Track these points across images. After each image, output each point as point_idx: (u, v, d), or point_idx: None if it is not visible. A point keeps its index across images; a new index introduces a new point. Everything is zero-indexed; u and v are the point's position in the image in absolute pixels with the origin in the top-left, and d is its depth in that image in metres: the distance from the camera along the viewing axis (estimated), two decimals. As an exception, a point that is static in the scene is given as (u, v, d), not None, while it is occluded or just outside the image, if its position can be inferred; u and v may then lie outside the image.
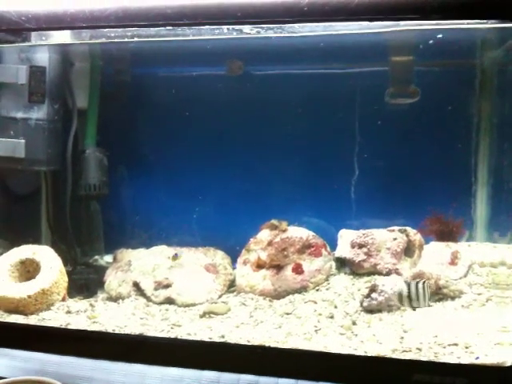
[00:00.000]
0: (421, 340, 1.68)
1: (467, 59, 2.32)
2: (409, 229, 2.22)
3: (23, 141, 2.28)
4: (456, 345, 1.65)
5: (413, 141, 2.36)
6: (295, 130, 2.45)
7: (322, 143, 2.44)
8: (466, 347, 1.63)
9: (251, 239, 2.31)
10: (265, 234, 2.29)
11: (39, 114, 2.31)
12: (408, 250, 2.21)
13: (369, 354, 1.63)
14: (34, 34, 2.10)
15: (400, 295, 1.92)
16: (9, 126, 2.30)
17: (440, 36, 2.02)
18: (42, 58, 2.29)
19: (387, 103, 2.32)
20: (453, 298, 1.96)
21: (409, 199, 2.35)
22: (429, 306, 1.92)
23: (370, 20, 1.64)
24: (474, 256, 2.18)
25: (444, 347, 1.64)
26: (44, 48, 2.28)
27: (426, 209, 2.21)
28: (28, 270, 2.18)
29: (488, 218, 2.34)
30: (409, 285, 1.92)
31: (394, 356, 1.62)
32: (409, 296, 1.91)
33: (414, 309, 1.92)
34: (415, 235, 2.22)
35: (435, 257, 2.15)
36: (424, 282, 1.92)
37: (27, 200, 2.56)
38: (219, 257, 2.40)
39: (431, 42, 2.09)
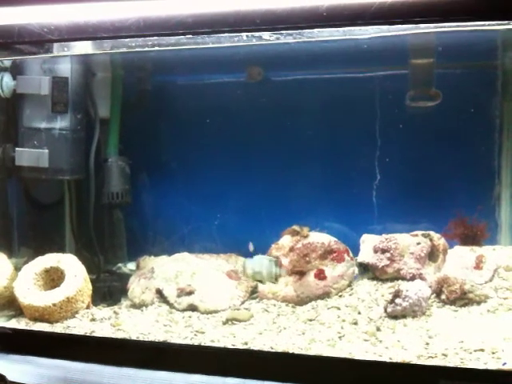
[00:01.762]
0: (446, 346, 1.67)
1: (489, 60, 2.29)
2: (432, 233, 2.20)
3: (47, 151, 2.31)
4: (482, 350, 1.62)
5: (435, 144, 2.34)
6: (315, 135, 2.44)
7: (343, 148, 2.43)
8: (493, 353, 1.61)
9: (272, 245, 2.31)
10: (286, 240, 2.28)
11: (62, 123, 2.34)
12: (432, 255, 2.18)
13: (394, 361, 1.62)
14: (56, 45, 2.12)
15: (244, 270, 2.07)
16: (33, 137, 2.33)
17: (461, 37, 2.00)
18: (64, 68, 2.32)
19: (408, 106, 2.30)
20: (478, 303, 1.93)
21: (432, 203, 2.32)
22: (275, 281, 2.05)
23: (390, 24, 1.63)
24: (500, 260, 2.15)
25: (470, 353, 1.62)
26: (66, 59, 2.31)
27: (450, 213, 2.18)
28: (53, 278, 2.20)
29: (513, 220, 2.31)
30: (253, 260, 2.05)
31: (420, 362, 1.60)
32: (253, 269, 2.05)
33: (262, 282, 2.08)
34: (439, 239, 2.19)
35: (460, 261, 2.13)
36: (270, 260, 2.05)
37: (51, 209, 2.59)
38: (241, 263, 2.40)
39: (452, 43, 2.07)
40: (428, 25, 1.74)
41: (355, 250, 2.26)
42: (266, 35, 1.86)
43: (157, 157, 2.65)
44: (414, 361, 1.61)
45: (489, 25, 1.72)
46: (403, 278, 2.12)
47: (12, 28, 1.86)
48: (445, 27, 1.79)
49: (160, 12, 1.71)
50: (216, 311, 2.13)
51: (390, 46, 2.07)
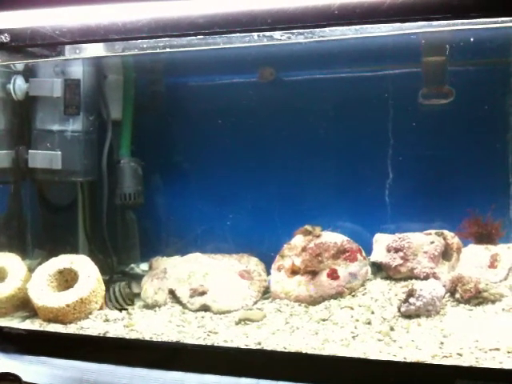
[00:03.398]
0: (461, 345, 1.65)
1: (502, 57, 2.27)
2: (446, 232, 2.19)
3: (60, 153, 2.33)
4: (498, 349, 1.61)
5: (448, 142, 2.33)
6: (328, 135, 2.43)
7: (356, 147, 2.42)
8: (508, 352, 1.59)
9: (285, 245, 2.30)
10: (299, 240, 2.28)
11: (75, 126, 2.35)
12: (446, 254, 2.17)
13: (408, 360, 1.61)
14: (68, 47, 2.14)
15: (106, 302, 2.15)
16: (46, 139, 2.35)
17: (474, 34, 1.99)
18: (76, 70, 2.34)
19: (421, 104, 2.29)
20: (493, 302, 1.92)
21: (445, 202, 2.31)
22: (130, 303, 2.21)
23: (402, 21, 1.62)
24: (515, 259, 2.13)
25: (485, 352, 1.61)
26: (78, 61, 2.33)
27: (464, 211, 2.17)
28: (66, 280, 2.21)
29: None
30: (108, 289, 2.16)
31: (434, 362, 1.59)
32: (109, 298, 2.14)
33: (119, 310, 2.15)
34: (453, 238, 2.18)
35: (474, 260, 2.11)
36: (120, 285, 2.19)
37: (64, 210, 2.61)
38: (253, 263, 2.40)
39: (465, 41, 2.06)
40: (440, 22, 1.72)
41: (368, 250, 2.25)
42: (277, 35, 1.85)
43: (169, 158, 2.66)
44: (429, 360, 1.59)
45: (502, 21, 1.71)
46: (417, 278, 2.11)
47: (24, 31, 1.87)
48: (457, 24, 1.77)
49: (171, 13, 1.72)
50: (229, 311, 2.13)
51: (402, 44, 2.06)
